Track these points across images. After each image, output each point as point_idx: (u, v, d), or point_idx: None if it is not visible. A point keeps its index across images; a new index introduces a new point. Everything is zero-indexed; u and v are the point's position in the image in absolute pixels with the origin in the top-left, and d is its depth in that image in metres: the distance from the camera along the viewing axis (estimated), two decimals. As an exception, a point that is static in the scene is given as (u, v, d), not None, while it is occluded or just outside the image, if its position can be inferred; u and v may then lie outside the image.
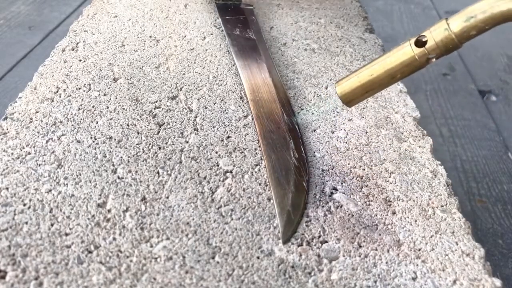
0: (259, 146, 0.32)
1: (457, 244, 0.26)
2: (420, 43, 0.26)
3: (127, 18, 0.46)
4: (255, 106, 0.35)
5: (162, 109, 0.35)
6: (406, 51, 0.26)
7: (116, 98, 0.35)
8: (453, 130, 0.64)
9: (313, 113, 0.36)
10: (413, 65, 0.26)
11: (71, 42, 0.41)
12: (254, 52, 0.41)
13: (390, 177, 0.31)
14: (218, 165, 0.30)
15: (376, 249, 0.26)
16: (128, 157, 0.30)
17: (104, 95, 0.35)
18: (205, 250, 0.25)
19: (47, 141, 0.31)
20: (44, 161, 0.29)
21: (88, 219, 0.26)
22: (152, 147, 0.31)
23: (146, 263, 0.24)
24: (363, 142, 0.33)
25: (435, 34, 0.25)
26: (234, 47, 0.41)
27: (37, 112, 0.33)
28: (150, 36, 0.43)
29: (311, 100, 0.37)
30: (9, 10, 0.76)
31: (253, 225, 0.27)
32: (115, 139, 0.31)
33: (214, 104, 0.36)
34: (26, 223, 0.25)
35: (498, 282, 0.24)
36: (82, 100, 0.35)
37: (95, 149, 0.31)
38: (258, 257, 0.25)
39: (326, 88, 0.39)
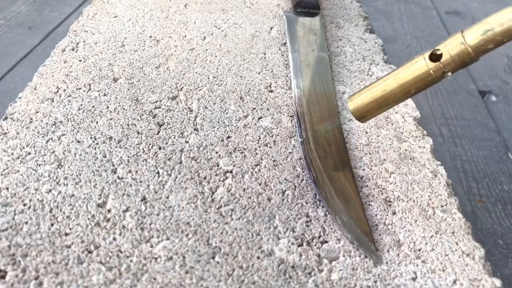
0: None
1: (457, 244, 0.26)
2: (434, 57, 0.24)
3: (127, 18, 0.46)
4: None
5: (162, 109, 0.35)
6: (420, 66, 0.25)
7: (116, 98, 0.35)
8: (453, 130, 0.64)
9: None
10: (427, 80, 0.25)
11: (71, 42, 0.41)
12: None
13: (390, 177, 0.31)
14: (218, 165, 0.30)
15: (377, 249, 0.26)
16: (128, 157, 0.30)
17: (104, 95, 0.35)
18: (205, 250, 0.25)
19: (47, 141, 0.31)
20: (44, 161, 0.29)
21: (88, 219, 0.26)
22: (152, 147, 0.31)
23: (146, 263, 0.24)
24: (363, 142, 0.33)
25: (450, 48, 0.24)
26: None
27: (37, 112, 0.33)
28: (150, 36, 0.43)
29: None
30: (9, 10, 0.76)
31: (253, 225, 0.27)
32: (115, 139, 0.31)
33: (214, 104, 0.36)
34: (26, 223, 0.25)
35: (498, 282, 0.25)
36: (82, 100, 0.35)
37: (95, 149, 0.31)
38: (258, 257, 0.25)
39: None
